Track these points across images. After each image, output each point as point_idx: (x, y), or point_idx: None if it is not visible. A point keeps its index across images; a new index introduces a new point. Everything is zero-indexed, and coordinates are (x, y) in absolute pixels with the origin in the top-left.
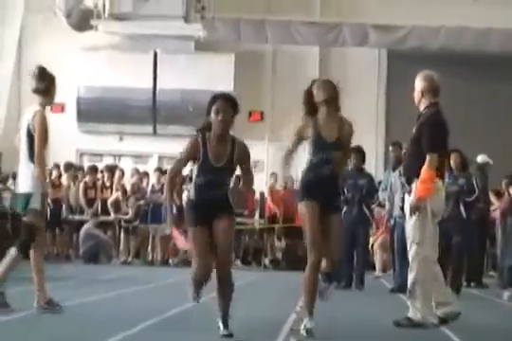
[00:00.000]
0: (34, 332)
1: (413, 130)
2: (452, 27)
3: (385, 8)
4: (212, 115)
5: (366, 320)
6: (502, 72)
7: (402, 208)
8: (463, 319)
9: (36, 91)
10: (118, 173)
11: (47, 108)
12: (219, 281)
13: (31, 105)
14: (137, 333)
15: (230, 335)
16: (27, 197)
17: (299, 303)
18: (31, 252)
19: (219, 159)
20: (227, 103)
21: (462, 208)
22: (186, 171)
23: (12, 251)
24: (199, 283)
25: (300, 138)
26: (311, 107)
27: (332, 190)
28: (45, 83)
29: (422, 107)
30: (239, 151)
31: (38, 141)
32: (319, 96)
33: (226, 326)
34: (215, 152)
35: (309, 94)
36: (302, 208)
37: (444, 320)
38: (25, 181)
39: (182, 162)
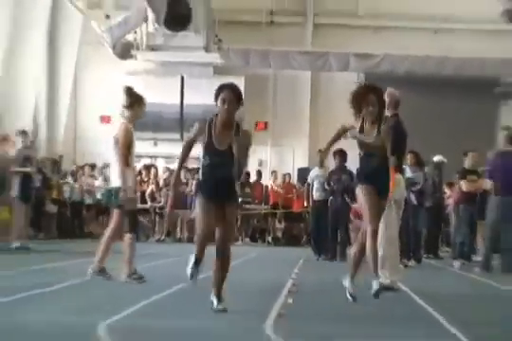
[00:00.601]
0: (84, 294)
1: None
2: (416, 56)
3: (363, 40)
4: (219, 103)
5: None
6: (458, 93)
7: None
8: (424, 284)
9: (123, 106)
10: (153, 171)
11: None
12: (218, 255)
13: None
14: (170, 295)
15: (225, 310)
16: (117, 190)
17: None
18: (109, 229)
19: (222, 143)
20: (232, 94)
21: (412, 197)
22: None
23: (128, 237)
24: (202, 244)
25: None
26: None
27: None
28: (130, 101)
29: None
30: (241, 136)
31: (121, 148)
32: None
33: (219, 301)
34: (220, 136)
35: (362, 97)
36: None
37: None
38: (116, 178)
39: (189, 143)
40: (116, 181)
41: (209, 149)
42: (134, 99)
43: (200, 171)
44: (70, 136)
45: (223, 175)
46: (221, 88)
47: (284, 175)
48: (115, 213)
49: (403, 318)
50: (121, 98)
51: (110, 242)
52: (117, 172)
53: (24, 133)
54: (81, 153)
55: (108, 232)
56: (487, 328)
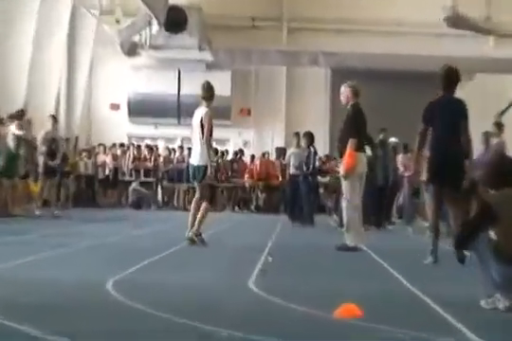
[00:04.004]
0: (90, 257)
1: (342, 121)
2: (374, 53)
3: (330, 40)
4: None
5: (318, 244)
6: (409, 85)
7: None
8: (381, 245)
9: (203, 98)
10: (154, 150)
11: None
12: None
13: (199, 107)
14: (168, 255)
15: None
16: (203, 168)
17: None
18: (195, 200)
19: None
20: None
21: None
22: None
23: (204, 205)
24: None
25: None
26: None
27: None
28: (210, 93)
29: (348, 105)
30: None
31: (207, 131)
32: None
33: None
34: None
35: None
36: None
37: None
38: (199, 157)
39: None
40: (197, 159)
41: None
42: (212, 92)
43: None
44: (85, 121)
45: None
46: None
47: (264, 153)
48: (200, 187)
49: (363, 273)
50: (201, 91)
51: (205, 210)
52: (198, 152)
53: (54, 117)
54: (93, 135)
55: (195, 203)
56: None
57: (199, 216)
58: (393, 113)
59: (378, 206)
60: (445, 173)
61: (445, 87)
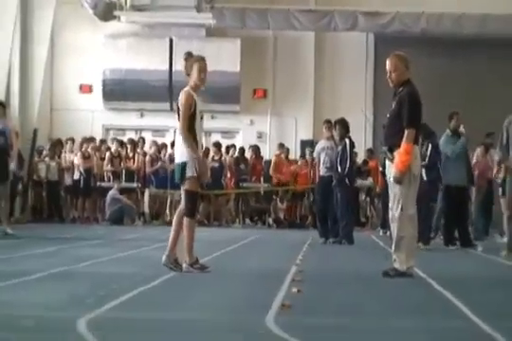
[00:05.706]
0: (56, 288)
1: (393, 104)
2: (431, 13)
3: None
4: None
5: (358, 269)
6: (476, 52)
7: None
8: (442, 269)
9: (187, 74)
10: (140, 145)
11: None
12: None
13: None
14: (156, 286)
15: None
16: (183, 166)
17: None
18: (177, 214)
19: None
20: None
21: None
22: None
23: (185, 221)
24: None
25: None
26: None
27: None
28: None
29: (399, 84)
30: None
31: (183, 115)
32: None
33: None
34: None
35: None
36: None
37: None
38: (179, 152)
39: None
40: (177, 155)
41: None
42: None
43: None
44: (46, 108)
45: None
46: None
47: (284, 148)
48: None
49: (420, 309)
50: (183, 65)
51: (179, 224)
52: (178, 146)
53: (1, 104)
54: (57, 127)
55: (177, 217)
56: None
57: (185, 241)
58: (459, 92)
59: (453, 216)
60: None
61: None
